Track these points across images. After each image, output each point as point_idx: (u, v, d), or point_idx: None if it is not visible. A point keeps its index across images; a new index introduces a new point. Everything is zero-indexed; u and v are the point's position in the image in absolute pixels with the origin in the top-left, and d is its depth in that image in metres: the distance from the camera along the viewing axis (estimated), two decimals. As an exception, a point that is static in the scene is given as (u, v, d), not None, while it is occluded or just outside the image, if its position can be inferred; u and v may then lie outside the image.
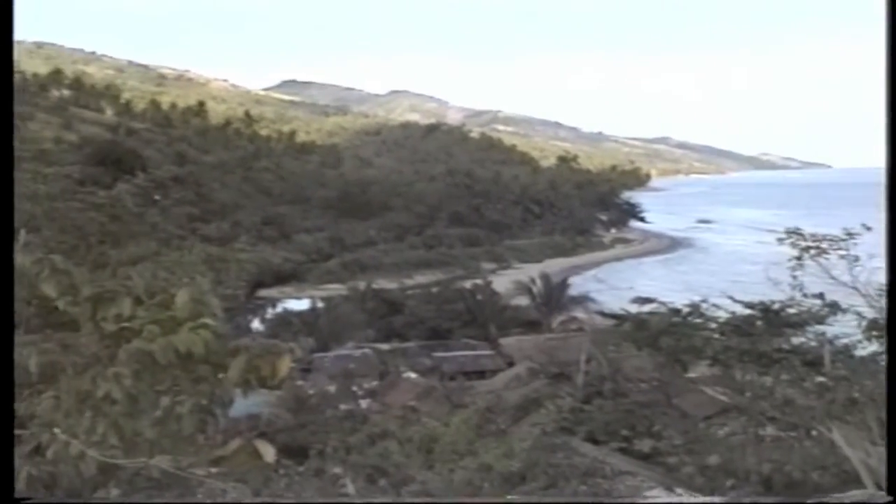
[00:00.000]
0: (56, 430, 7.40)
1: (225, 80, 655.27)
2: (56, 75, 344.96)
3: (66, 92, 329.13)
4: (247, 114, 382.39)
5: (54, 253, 7.70)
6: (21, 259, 7.37)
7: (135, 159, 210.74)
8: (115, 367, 6.87)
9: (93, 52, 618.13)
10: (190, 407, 7.05)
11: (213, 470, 7.88)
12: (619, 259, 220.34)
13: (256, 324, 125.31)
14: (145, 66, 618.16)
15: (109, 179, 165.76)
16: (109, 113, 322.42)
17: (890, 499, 7.61)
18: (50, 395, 7.57)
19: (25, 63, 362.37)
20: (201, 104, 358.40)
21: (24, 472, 7.56)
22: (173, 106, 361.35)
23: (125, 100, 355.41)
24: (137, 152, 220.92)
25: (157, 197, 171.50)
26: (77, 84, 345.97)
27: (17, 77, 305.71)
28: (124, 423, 7.08)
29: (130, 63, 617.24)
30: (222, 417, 7.29)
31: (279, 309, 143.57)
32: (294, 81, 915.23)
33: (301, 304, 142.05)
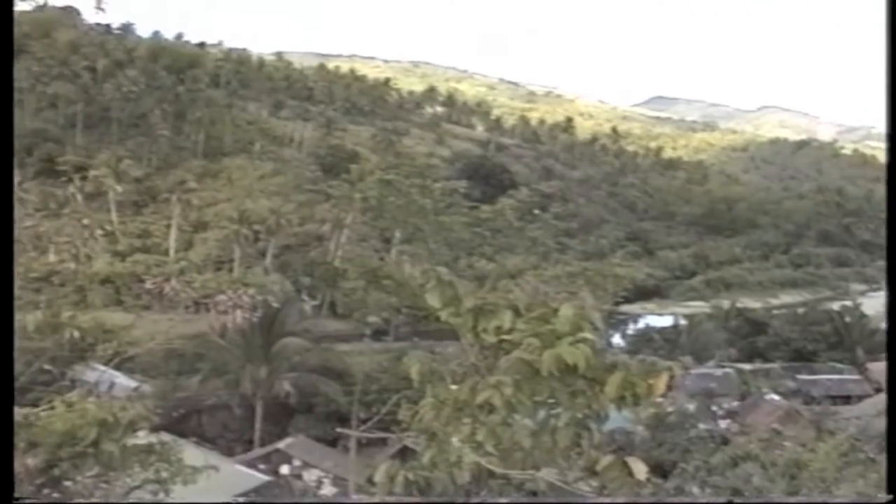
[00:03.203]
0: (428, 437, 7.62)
1: (593, 97, 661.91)
2: (430, 93, 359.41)
3: (439, 109, 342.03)
4: (613, 130, 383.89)
5: (439, 265, 7.94)
6: (408, 269, 7.63)
7: (503, 174, 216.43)
8: (496, 376, 7.01)
9: (465, 70, 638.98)
10: (566, 420, 7.10)
11: (594, 483, 7.89)
12: None
13: (617, 339, 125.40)
14: (515, 84, 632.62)
15: (478, 193, 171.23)
16: (480, 129, 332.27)
17: (890, 498, 7.55)
18: (429, 402, 7.80)
19: (402, 81, 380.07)
20: (569, 120, 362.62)
21: (399, 477, 7.82)
22: (541, 122, 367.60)
23: (495, 116, 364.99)
24: (506, 167, 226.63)
25: (536, 211, 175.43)
26: (450, 101, 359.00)
27: (392, 95, 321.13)
28: (502, 432, 7.20)
29: (501, 80, 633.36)
30: (597, 432, 7.28)
31: (641, 325, 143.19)
32: (662, 98, 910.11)
33: (663, 321, 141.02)
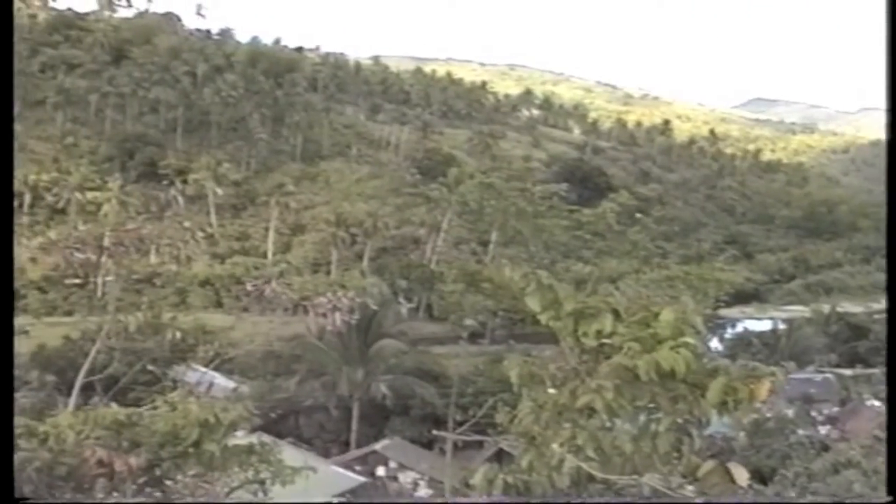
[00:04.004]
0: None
1: (691, 99, 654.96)
2: (526, 96, 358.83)
3: (535, 112, 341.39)
4: (711, 132, 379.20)
5: (538, 268, 7.93)
6: (508, 272, 7.63)
7: (600, 177, 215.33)
8: (597, 380, 6.99)
9: (561, 73, 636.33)
10: (667, 425, 7.06)
11: (690, 489, 7.82)
12: None
13: (715, 343, 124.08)
14: (612, 86, 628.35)
15: (574, 196, 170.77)
16: (576, 132, 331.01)
17: (890, 499, 7.47)
18: (528, 406, 7.81)
19: (498, 84, 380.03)
20: (666, 122, 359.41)
21: (498, 480, 7.83)
22: (638, 124, 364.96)
23: (592, 119, 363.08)
24: (603, 170, 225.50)
25: (638, 215, 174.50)
26: (546, 104, 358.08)
27: (489, 98, 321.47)
28: (602, 437, 7.18)
29: (598, 83, 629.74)
30: (698, 438, 7.23)
31: (739, 329, 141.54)
32: (761, 99, 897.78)
33: (761, 325, 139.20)
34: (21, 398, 55.55)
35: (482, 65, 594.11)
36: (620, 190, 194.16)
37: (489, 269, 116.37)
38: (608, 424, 7.22)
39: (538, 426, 7.66)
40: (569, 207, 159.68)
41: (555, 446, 7.35)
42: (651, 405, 7.16)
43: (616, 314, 7.21)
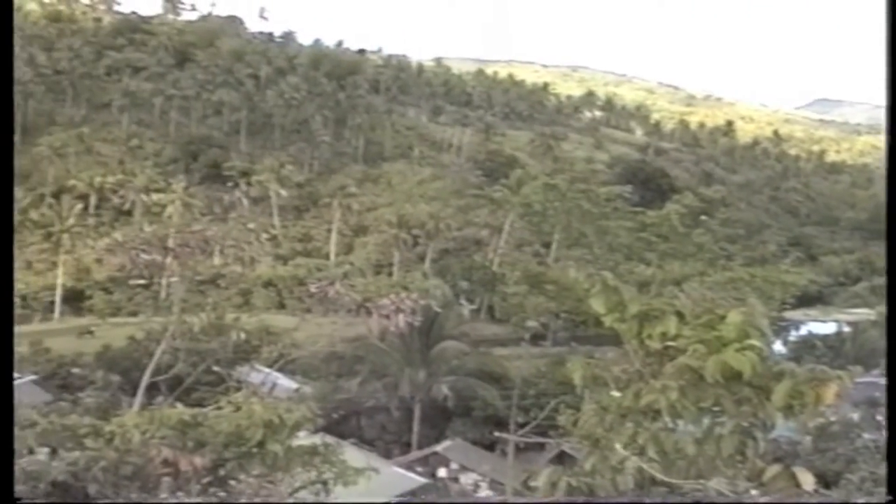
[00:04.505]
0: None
1: (754, 100, 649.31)
2: (589, 97, 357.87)
3: (597, 113, 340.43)
4: (775, 133, 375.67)
5: (602, 270, 7.93)
6: (573, 274, 7.65)
7: (662, 178, 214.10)
8: (661, 381, 6.97)
9: (623, 74, 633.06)
10: (731, 428, 7.03)
11: (754, 493, 7.78)
12: None
13: (779, 346, 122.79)
14: (675, 87, 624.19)
15: (637, 198, 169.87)
16: (639, 133, 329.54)
17: (890, 498, 7.31)
18: (592, 408, 7.81)
19: (560, 86, 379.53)
20: (729, 124, 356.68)
21: (562, 483, 7.83)
22: (701, 126, 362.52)
23: (654, 120, 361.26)
24: (665, 172, 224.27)
25: (703, 217, 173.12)
26: (608, 105, 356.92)
27: (551, 99, 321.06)
28: (665, 438, 7.16)
29: (660, 84, 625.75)
30: (762, 441, 7.19)
31: (803, 331, 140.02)
32: (825, 100, 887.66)
33: (826, 328, 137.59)
34: (86, 398, 56.26)
35: (544, 66, 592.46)
36: (684, 191, 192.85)
37: (553, 270, 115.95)
38: (671, 426, 7.20)
39: (602, 428, 7.65)
40: (633, 209, 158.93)
41: (617, 446, 7.34)
42: (715, 408, 7.13)
43: (680, 316, 7.19)
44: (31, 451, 18.91)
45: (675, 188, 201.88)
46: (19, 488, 17.32)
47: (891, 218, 7.53)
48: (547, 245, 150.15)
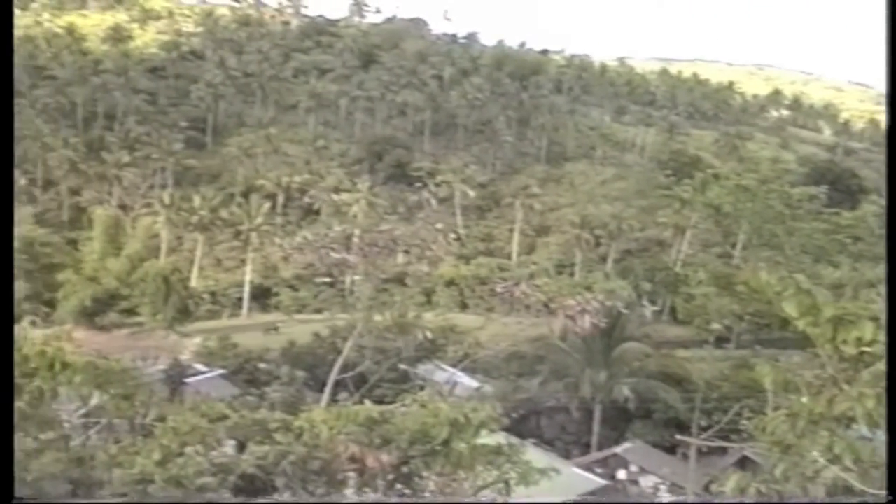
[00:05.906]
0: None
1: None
2: (775, 96, 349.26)
3: (784, 112, 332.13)
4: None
5: (794, 273, 7.79)
6: (764, 276, 7.53)
7: (851, 179, 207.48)
8: (857, 388, 6.80)
9: (811, 73, 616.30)
10: (932, 438, 6.80)
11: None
12: None
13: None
14: (865, 86, 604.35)
15: (825, 198, 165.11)
16: (827, 132, 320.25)
17: (890, 498, 6.82)
18: (782, 414, 7.68)
19: (745, 84, 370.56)
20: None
21: (751, 489, 7.74)
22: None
23: (843, 119, 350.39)
24: (855, 172, 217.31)
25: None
26: (795, 104, 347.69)
27: (736, 98, 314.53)
28: (861, 447, 7.01)
29: (850, 83, 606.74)
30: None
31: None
32: None
33: None
34: (272, 393, 57.85)
35: (730, 65, 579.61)
36: (873, 192, 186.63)
37: (744, 272, 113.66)
38: (868, 435, 7.03)
39: (793, 434, 7.52)
40: (826, 210, 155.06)
41: (815, 454, 7.20)
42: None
43: (877, 321, 7.01)
44: (219, 444, 19.53)
45: (865, 189, 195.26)
46: (208, 480, 17.89)
47: (891, 218, 7.21)
48: (734, 246, 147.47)
